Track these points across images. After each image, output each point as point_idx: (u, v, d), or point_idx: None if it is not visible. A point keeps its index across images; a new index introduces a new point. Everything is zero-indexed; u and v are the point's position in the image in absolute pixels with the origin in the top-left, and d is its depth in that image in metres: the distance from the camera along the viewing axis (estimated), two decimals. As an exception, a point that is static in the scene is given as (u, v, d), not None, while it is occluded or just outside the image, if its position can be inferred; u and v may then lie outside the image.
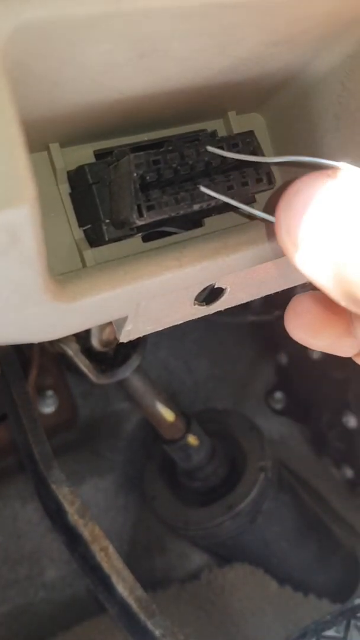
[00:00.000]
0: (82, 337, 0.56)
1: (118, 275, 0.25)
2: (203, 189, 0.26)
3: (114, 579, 0.49)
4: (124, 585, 0.49)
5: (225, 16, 0.21)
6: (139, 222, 0.25)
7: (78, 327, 0.26)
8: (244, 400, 0.91)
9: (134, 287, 0.25)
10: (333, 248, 0.22)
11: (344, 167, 0.22)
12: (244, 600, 0.70)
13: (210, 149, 0.26)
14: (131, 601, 0.49)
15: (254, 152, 0.28)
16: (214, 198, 0.27)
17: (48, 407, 0.78)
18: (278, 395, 0.91)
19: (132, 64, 0.21)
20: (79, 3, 0.17)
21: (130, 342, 0.50)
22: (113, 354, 0.59)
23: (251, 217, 0.30)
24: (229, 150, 0.27)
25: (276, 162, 0.26)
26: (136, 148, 0.28)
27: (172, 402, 0.69)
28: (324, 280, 0.23)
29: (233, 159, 0.27)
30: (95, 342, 0.55)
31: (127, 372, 0.60)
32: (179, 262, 0.26)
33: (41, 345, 0.67)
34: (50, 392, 0.78)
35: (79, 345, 0.56)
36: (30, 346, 0.72)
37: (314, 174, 0.23)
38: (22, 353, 0.70)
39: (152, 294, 0.26)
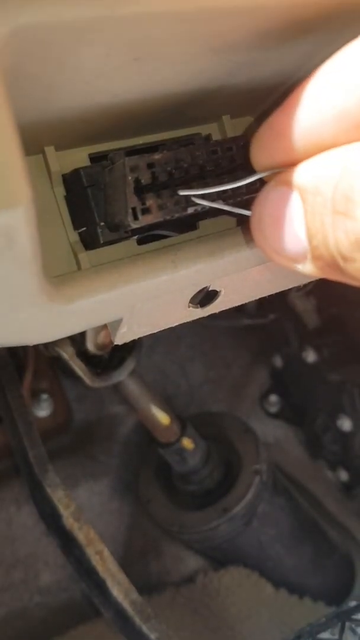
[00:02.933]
0: (77, 341, 0.56)
1: (113, 278, 0.25)
2: (196, 199, 0.27)
3: (109, 582, 0.49)
4: (119, 588, 0.49)
5: (220, 21, 0.21)
6: (134, 225, 0.25)
7: (73, 329, 0.26)
8: (238, 404, 0.91)
9: (128, 290, 0.25)
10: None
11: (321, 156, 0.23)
12: (239, 603, 0.70)
13: (198, 201, 0.26)
14: (126, 605, 0.49)
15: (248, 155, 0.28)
16: (208, 203, 0.27)
17: (43, 411, 0.78)
18: (273, 398, 0.91)
19: (127, 67, 0.22)
20: (74, 7, 0.17)
21: (125, 345, 0.51)
22: (108, 358, 0.59)
23: (245, 220, 0.31)
24: (223, 153, 0.27)
25: (265, 175, 0.26)
26: (131, 151, 0.28)
27: (167, 405, 0.69)
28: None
29: (226, 162, 0.27)
30: (90, 346, 0.55)
31: (122, 375, 0.60)
32: (174, 265, 0.26)
33: (36, 349, 0.67)
34: (45, 396, 0.78)
35: (74, 348, 0.56)
36: (25, 349, 0.72)
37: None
38: (16, 356, 0.70)
39: (147, 297, 0.26)
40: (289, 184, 0.24)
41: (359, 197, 0.21)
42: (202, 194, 0.26)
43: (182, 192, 0.26)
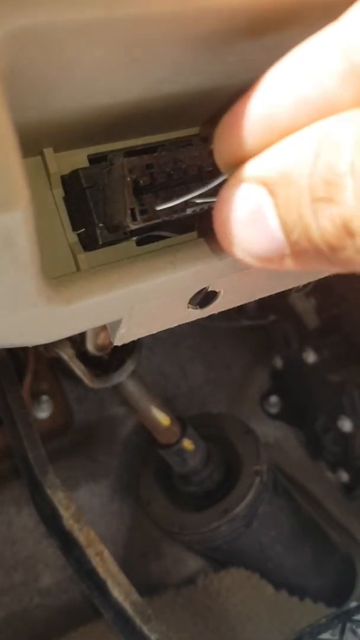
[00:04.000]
0: (77, 342, 0.56)
1: (112, 279, 0.25)
2: (196, 200, 0.27)
3: (110, 583, 0.49)
4: (120, 590, 0.49)
5: (217, 22, 0.21)
6: (133, 227, 0.26)
7: (72, 331, 0.26)
8: (239, 404, 0.91)
9: (128, 291, 0.25)
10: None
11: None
12: (239, 604, 0.70)
13: (198, 200, 0.26)
14: (127, 606, 0.48)
15: None
16: (207, 202, 0.27)
17: (43, 412, 0.78)
18: (273, 399, 0.91)
19: (125, 69, 0.22)
20: (72, 9, 0.17)
21: (125, 346, 0.51)
22: (108, 359, 0.59)
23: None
24: None
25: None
26: (129, 152, 0.28)
27: (167, 406, 0.69)
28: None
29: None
30: (90, 347, 0.55)
31: (122, 376, 0.60)
32: (173, 266, 0.26)
33: (36, 350, 0.67)
34: (45, 397, 0.78)
35: (74, 349, 0.56)
36: (25, 351, 0.72)
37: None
38: (16, 358, 0.70)
39: (146, 297, 0.26)
40: (251, 179, 0.22)
41: (341, 177, 0.19)
42: (169, 207, 0.26)
43: (160, 207, 0.26)
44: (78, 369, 0.57)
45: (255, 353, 0.94)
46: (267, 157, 0.21)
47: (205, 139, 0.30)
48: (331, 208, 0.20)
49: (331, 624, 0.49)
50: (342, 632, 0.48)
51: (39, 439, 0.55)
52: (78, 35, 0.18)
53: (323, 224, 0.20)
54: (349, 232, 0.20)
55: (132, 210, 0.25)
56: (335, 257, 0.21)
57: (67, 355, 0.56)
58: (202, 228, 0.29)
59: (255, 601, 0.71)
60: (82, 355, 0.57)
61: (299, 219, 0.21)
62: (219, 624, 0.69)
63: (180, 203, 0.26)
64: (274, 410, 0.91)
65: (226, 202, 0.23)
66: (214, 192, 0.27)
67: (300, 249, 0.21)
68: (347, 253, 0.20)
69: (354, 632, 0.48)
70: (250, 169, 0.22)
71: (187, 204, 0.27)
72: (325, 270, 0.23)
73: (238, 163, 0.23)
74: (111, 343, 0.57)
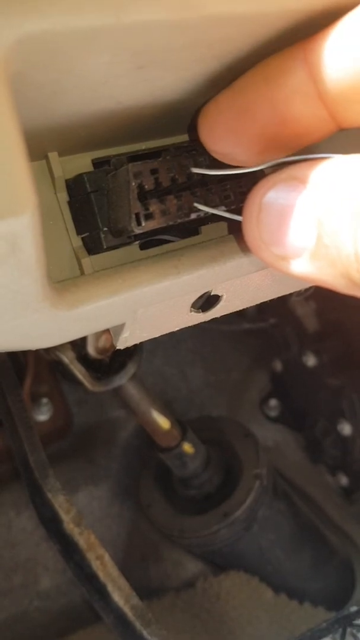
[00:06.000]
0: (78, 345, 0.56)
1: (116, 283, 0.25)
2: (197, 205, 0.27)
3: (110, 587, 0.49)
4: (120, 594, 0.49)
5: (224, 28, 0.21)
6: (137, 231, 0.26)
7: (76, 334, 0.26)
8: (238, 408, 0.91)
9: (132, 295, 0.25)
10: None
11: (334, 158, 0.23)
12: (239, 608, 0.70)
13: (194, 170, 0.27)
14: (127, 610, 0.48)
15: None
16: (211, 211, 0.27)
17: (43, 415, 0.78)
18: (273, 402, 0.91)
19: (131, 75, 0.22)
20: (80, 15, 0.17)
21: (126, 349, 0.51)
22: (109, 362, 0.59)
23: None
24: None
25: (265, 167, 0.26)
26: (133, 157, 0.28)
27: (167, 410, 0.69)
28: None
29: (229, 167, 0.27)
30: (91, 350, 0.55)
31: (123, 379, 0.60)
32: (177, 270, 0.26)
33: (36, 353, 0.67)
34: (45, 400, 0.78)
35: (75, 352, 0.56)
36: (25, 354, 0.72)
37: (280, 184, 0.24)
38: (16, 360, 0.70)
39: (150, 302, 0.26)
40: (301, 179, 0.23)
41: None
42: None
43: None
44: (79, 372, 0.57)
45: (255, 356, 0.94)
46: (324, 167, 0.23)
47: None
48: None
49: (331, 628, 0.48)
50: (343, 636, 0.48)
51: (39, 442, 0.55)
52: (85, 41, 0.18)
53: (359, 237, 0.21)
54: None
55: (137, 214, 0.25)
56: (358, 274, 0.22)
57: (68, 358, 0.56)
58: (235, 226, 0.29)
59: (255, 605, 0.71)
60: (83, 358, 0.57)
61: (337, 225, 0.22)
62: (218, 627, 0.69)
63: (186, 207, 0.26)
64: (273, 413, 0.91)
65: (270, 188, 0.24)
66: (220, 202, 0.28)
67: (325, 253, 0.22)
68: None
69: (354, 637, 0.48)
70: (303, 170, 0.23)
71: (190, 209, 0.27)
72: (329, 286, 0.23)
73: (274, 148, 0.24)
74: (112, 346, 0.57)
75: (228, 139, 0.25)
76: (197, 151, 0.27)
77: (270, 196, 0.24)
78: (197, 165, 0.27)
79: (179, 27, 0.19)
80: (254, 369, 0.94)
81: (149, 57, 0.21)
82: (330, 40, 0.22)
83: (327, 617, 0.65)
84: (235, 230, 0.30)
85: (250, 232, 0.24)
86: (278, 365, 0.90)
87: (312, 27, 0.23)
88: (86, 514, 0.76)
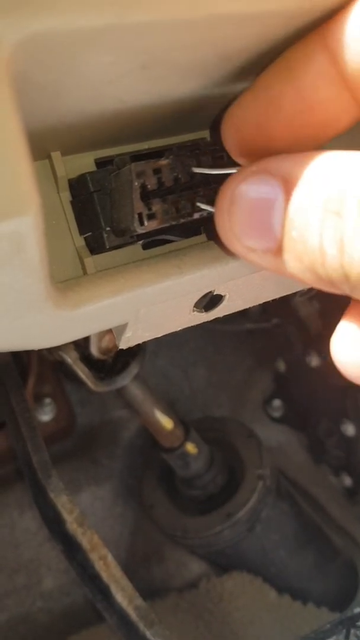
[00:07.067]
0: (81, 345, 0.56)
1: (119, 283, 0.25)
2: (200, 205, 0.27)
3: (113, 588, 0.49)
4: (123, 594, 0.49)
5: (227, 28, 0.21)
6: (140, 231, 0.26)
7: (79, 334, 0.26)
8: (242, 408, 0.91)
9: (134, 295, 0.25)
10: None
11: (307, 152, 0.23)
12: (242, 609, 0.70)
13: (196, 170, 0.27)
14: (130, 610, 0.48)
15: None
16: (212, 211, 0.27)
17: (46, 415, 0.78)
18: (276, 402, 0.91)
19: (134, 74, 0.22)
20: (83, 16, 0.17)
21: (129, 350, 0.51)
22: (112, 362, 0.59)
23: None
24: (229, 158, 0.27)
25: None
26: (136, 156, 0.28)
27: (170, 410, 0.69)
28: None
29: (232, 168, 0.27)
30: (94, 350, 0.55)
31: (126, 380, 0.60)
32: (180, 270, 0.26)
33: (39, 353, 0.67)
34: (48, 400, 0.78)
35: (78, 353, 0.56)
36: (28, 353, 0.72)
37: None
38: (20, 361, 0.70)
39: (153, 301, 0.26)
40: (272, 172, 0.23)
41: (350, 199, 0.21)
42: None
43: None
44: (82, 372, 0.57)
45: (259, 356, 0.94)
46: (296, 159, 0.23)
47: (213, 143, 0.30)
48: (338, 221, 0.21)
49: (335, 629, 0.48)
50: (347, 637, 0.48)
51: (42, 442, 0.55)
52: (89, 41, 0.18)
53: (325, 232, 0.21)
54: (341, 249, 0.21)
55: (140, 214, 0.25)
56: (322, 268, 0.22)
57: (71, 358, 0.56)
58: (210, 230, 0.29)
59: (258, 605, 0.71)
60: (86, 359, 0.57)
61: (305, 219, 0.22)
62: (221, 628, 0.69)
63: (188, 207, 0.26)
64: (277, 414, 0.91)
65: (241, 181, 0.24)
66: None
67: (290, 247, 0.23)
68: (334, 262, 0.21)
69: (358, 638, 0.48)
70: (274, 163, 0.23)
71: (193, 208, 0.27)
72: (299, 280, 0.24)
73: (257, 152, 0.24)
74: (115, 346, 0.57)
75: (256, 137, 0.25)
76: (200, 150, 0.27)
77: (241, 188, 0.24)
78: (200, 165, 0.27)
79: (183, 27, 0.19)
80: (257, 369, 0.93)
81: (152, 56, 0.21)
82: (348, 23, 0.22)
83: (330, 618, 0.65)
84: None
85: (222, 223, 0.25)
86: (281, 366, 0.90)
87: (321, 21, 0.23)
88: (89, 514, 0.76)
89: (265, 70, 0.24)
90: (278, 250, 0.23)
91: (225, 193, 0.24)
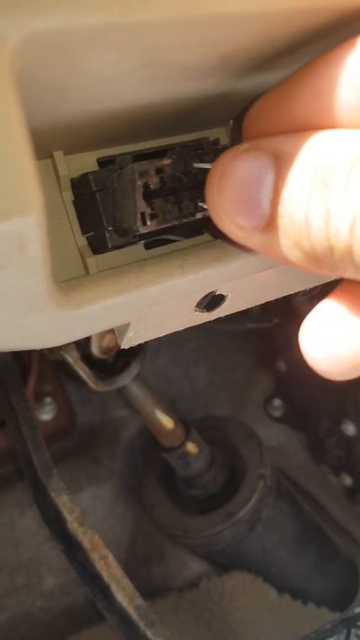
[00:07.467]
0: (82, 345, 0.56)
1: (122, 283, 0.25)
2: (202, 204, 0.27)
3: (114, 587, 0.49)
4: (124, 594, 0.49)
5: (232, 26, 0.21)
6: (143, 231, 0.25)
7: (81, 334, 0.26)
8: (242, 408, 0.91)
9: (137, 295, 0.25)
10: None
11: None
12: (243, 608, 0.70)
13: (197, 165, 0.27)
14: (131, 610, 0.48)
15: None
16: None
17: (46, 414, 0.78)
18: (277, 402, 0.91)
19: (137, 73, 0.22)
20: (87, 14, 0.17)
21: (130, 349, 0.50)
22: (113, 361, 0.59)
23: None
24: None
25: None
26: (138, 156, 0.28)
27: (171, 409, 0.69)
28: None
29: None
30: (95, 350, 0.55)
31: (127, 379, 0.60)
32: (182, 270, 0.26)
33: (40, 352, 0.67)
34: (48, 399, 0.78)
35: (79, 352, 0.56)
36: (29, 353, 0.72)
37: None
38: (20, 360, 0.70)
39: (155, 301, 0.26)
40: (264, 149, 0.23)
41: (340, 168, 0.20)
42: None
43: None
44: (83, 371, 0.57)
45: (259, 356, 0.94)
46: (288, 136, 0.22)
47: (215, 142, 0.30)
48: (324, 192, 0.21)
49: (336, 629, 0.48)
50: (347, 637, 0.48)
51: (43, 442, 0.55)
52: (92, 40, 0.18)
53: (311, 204, 0.21)
54: (327, 220, 0.21)
55: (142, 214, 0.25)
56: (308, 242, 0.21)
57: (72, 357, 0.56)
58: (213, 229, 0.29)
59: (258, 605, 0.71)
60: (87, 358, 0.57)
61: (291, 193, 0.21)
62: (221, 627, 0.69)
63: (191, 207, 0.26)
64: (277, 413, 0.91)
65: (232, 157, 0.24)
66: None
67: (278, 224, 0.22)
68: (317, 242, 0.21)
69: (359, 638, 0.48)
70: (266, 140, 0.23)
71: (196, 208, 0.27)
72: (287, 260, 0.23)
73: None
74: (116, 346, 0.57)
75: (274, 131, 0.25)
76: (202, 150, 0.27)
77: (231, 165, 0.24)
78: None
79: (186, 25, 0.19)
80: (258, 369, 0.93)
81: (155, 55, 0.21)
82: None
83: (330, 618, 0.65)
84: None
85: (211, 200, 0.24)
86: (282, 365, 0.90)
87: (327, 24, 0.23)
88: (89, 513, 0.76)
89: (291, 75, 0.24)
90: (266, 228, 0.23)
91: (216, 169, 0.24)
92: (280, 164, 0.22)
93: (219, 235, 0.28)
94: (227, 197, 0.24)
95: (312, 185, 0.21)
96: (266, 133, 0.24)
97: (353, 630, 0.49)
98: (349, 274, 0.22)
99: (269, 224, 0.23)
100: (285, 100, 0.24)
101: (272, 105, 0.24)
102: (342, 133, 0.21)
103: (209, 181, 0.24)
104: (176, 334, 0.33)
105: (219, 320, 0.33)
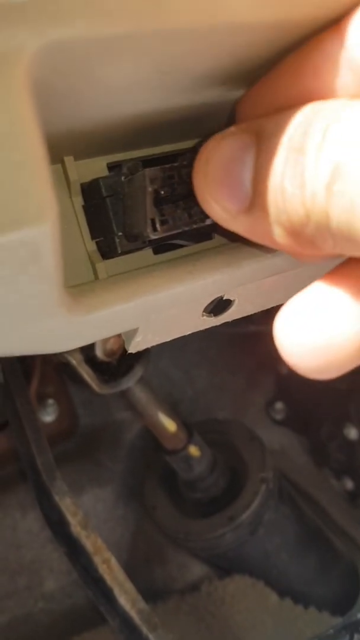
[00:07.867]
0: (86, 347, 0.56)
1: (131, 289, 0.25)
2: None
3: (116, 591, 0.49)
4: (126, 597, 0.49)
5: (247, 34, 0.21)
6: (153, 237, 0.25)
7: (91, 339, 0.26)
8: (244, 411, 0.91)
9: (146, 300, 0.25)
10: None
11: None
12: (244, 612, 0.70)
13: None
14: (133, 614, 0.48)
15: None
16: None
17: (49, 416, 0.78)
18: (279, 405, 0.91)
19: (152, 80, 0.22)
20: (104, 24, 0.17)
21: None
22: (116, 364, 0.59)
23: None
24: None
25: None
26: (149, 161, 0.28)
27: (174, 412, 0.69)
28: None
29: None
30: (99, 352, 0.55)
31: (130, 382, 0.60)
32: (192, 275, 0.26)
33: (43, 354, 0.67)
34: (51, 401, 0.78)
35: (83, 355, 0.56)
36: (32, 355, 0.72)
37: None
38: (23, 361, 0.70)
39: (165, 307, 0.26)
40: (246, 129, 0.22)
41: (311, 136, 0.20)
42: None
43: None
44: (86, 374, 0.57)
45: (261, 359, 0.94)
46: (270, 115, 0.22)
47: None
48: (299, 157, 0.20)
49: (339, 634, 0.48)
50: (350, 643, 0.48)
51: (47, 444, 0.55)
52: (108, 49, 0.18)
53: (286, 171, 0.20)
54: (302, 186, 0.20)
55: (153, 220, 0.25)
56: (285, 214, 0.21)
57: (76, 360, 0.56)
58: (228, 233, 0.29)
59: (260, 609, 0.71)
60: (91, 361, 0.57)
61: (269, 168, 0.21)
62: (222, 631, 0.69)
63: (201, 212, 0.26)
64: (279, 416, 0.91)
65: (218, 140, 0.23)
66: None
67: (259, 202, 0.22)
68: (295, 200, 0.20)
69: (362, 644, 0.48)
70: (251, 121, 0.23)
71: (206, 214, 0.27)
72: (271, 242, 0.23)
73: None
74: (120, 349, 0.57)
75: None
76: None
77: (217, 148, 0.23)
78: None
79: (202, 33, 0.19)
80: (260, 372, 0.93)
81: (170, 63, 0.21)
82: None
83: (332, 622, 0.65)
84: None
85: (198, 184, 0.24)
86: (284, 368, 0.90)
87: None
88: (91, 515, 0.76)
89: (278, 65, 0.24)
90: (250, 208, 0.22)
91: (202, 153, 0.24)
92: (260, 141, 0.22)
93: (229, 235, 0.28)
94: (212, 179, 0.23)
95: (287, 154, 0.21)
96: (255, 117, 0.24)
97: (356, 636, 0.49)
98: (327, 246, 0.21)
99: (252, 204, 0.22)
100: (273, 85, 0.24)
101: (261, 91, 0.24)
102: (321, 102, 0.21)
103: (195, 166, 0.24)
104: (178, 337, 0.33)
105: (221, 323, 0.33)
